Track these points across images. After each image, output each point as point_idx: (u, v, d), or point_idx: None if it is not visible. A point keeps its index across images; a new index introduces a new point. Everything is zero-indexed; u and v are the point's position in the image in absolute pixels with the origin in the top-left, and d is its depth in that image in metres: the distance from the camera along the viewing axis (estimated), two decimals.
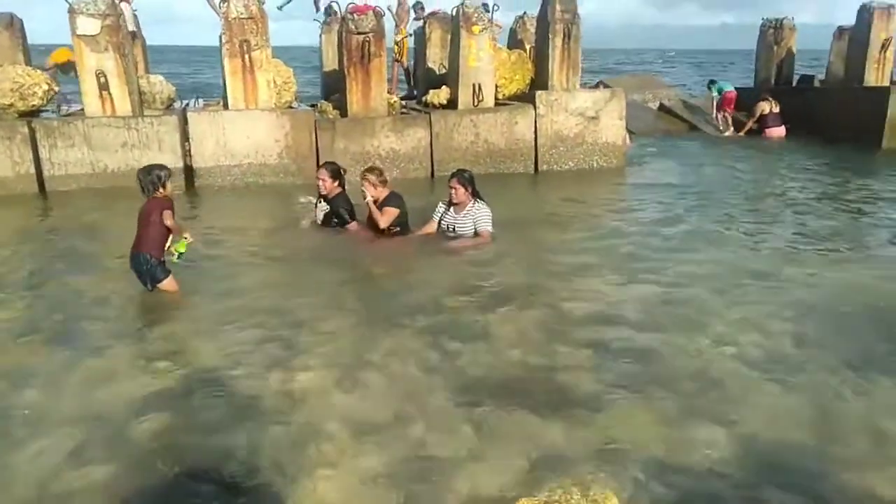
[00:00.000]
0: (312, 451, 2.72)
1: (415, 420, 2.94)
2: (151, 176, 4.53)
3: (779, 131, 12.31)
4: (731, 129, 12.88)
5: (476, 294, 4.54)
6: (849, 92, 11.90)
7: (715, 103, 13.35)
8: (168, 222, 4.38)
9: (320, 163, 8.35)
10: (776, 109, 12.34)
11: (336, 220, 5.90)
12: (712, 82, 13.86)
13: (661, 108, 14.26)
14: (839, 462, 2.67)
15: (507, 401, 3.09)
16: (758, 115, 12.41)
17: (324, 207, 5.96)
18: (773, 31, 13.33)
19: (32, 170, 7.57)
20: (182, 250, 4.44)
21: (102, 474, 2.60)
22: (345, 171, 6.06)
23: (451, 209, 5.68)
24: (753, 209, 7.08)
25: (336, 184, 5.90)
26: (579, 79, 9.92)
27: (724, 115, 13.14)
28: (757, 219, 6.65)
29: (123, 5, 8.91)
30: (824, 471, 2.62)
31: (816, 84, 13.53)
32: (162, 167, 4.68)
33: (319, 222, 6.00)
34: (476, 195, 5.63)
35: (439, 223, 5.75)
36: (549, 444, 2.77)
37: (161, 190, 4.52)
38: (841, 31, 13.07)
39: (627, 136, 10.10)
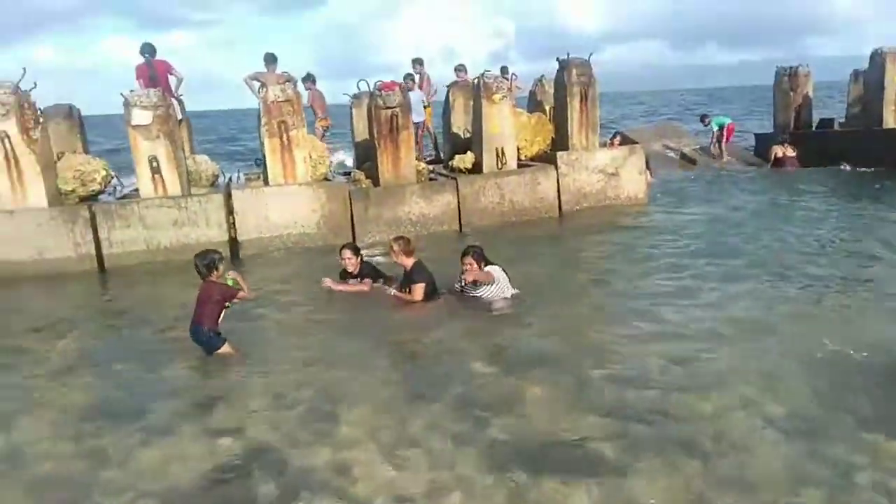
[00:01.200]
0: None
1: (451, 490, 3.25)
2: (206, 260, 5.17)
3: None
4: (726, 155, 13.88)
5: (505, 359, 4.86)
6: (870, 134, 12.11)
7: (715, 136, 14.04)
8: (240, 295, 5.15)
9: (355, 230, 8.95)
10: (791, 153, 12.69)
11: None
12: (705, 116, 14.68)
13: (683, 157, 14.60)
14: None
15: (537, 468, 3.38)
16: (773, 158, 12.80)
17: (354, 283, 6.57)
18: (788, 78, 13.67)
19: (93, 250, 8.21)
20: (230, 283, 5.17)
21: None
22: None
23: (467, 287, 5.98)
24: (772, 257, 7.27)
25: (359, 259, 6.58)
26: (598, 137, 10.38)
27: (721, 146, 14.06)
28: (773, 267, 6.83)
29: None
30: None
31: (836, 127, 13.74)
32: (215, 252, 5.32)
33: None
34: (489, 265, 5.94)
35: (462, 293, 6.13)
36: None
37: (215, 272, 5.14)
38: (856, 74, 13.35)
39: (648, 172, 10.54)
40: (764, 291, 6.11)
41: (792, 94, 13.69)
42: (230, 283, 5.16)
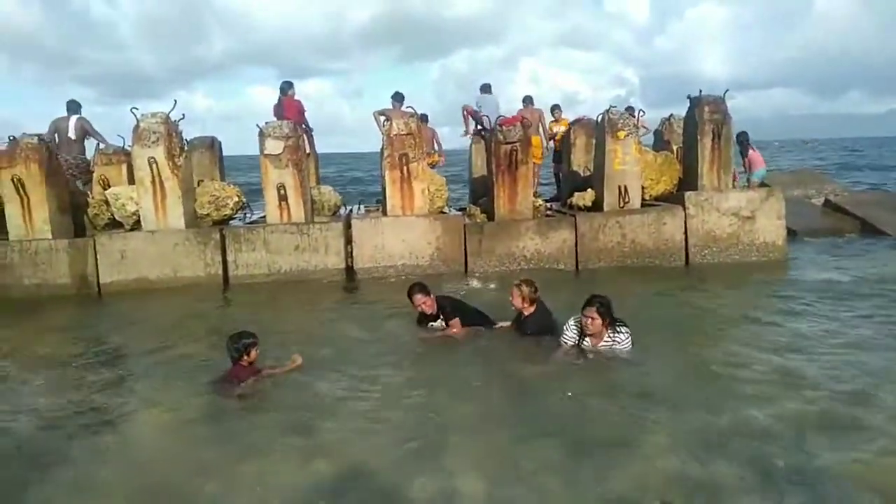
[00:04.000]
0: None
1: None
2: (238, 344, 4.80)
3: None
4: None
5: (620, 400, 4.44)
6: None
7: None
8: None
9: (467, 263, 8.80)
10: None
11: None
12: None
13: (827, 203, 13.31)
14: None
15: None
16: None
17: (439, 326, 6.04)
18: None
19: (220, 271, 8.64)
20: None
21: None
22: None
23: (587, 338, 5.21)
24: None
25: (432, 297, 6.00)
26: (731, 178, 9.68)
27: None
28: None
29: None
30: None
31: None
32: (250, 335, 4.89)
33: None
34: (613, 324, 5.14)
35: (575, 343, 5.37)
36: None
37: (246, 357, 4.80)
38: None
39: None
40: None
41: None
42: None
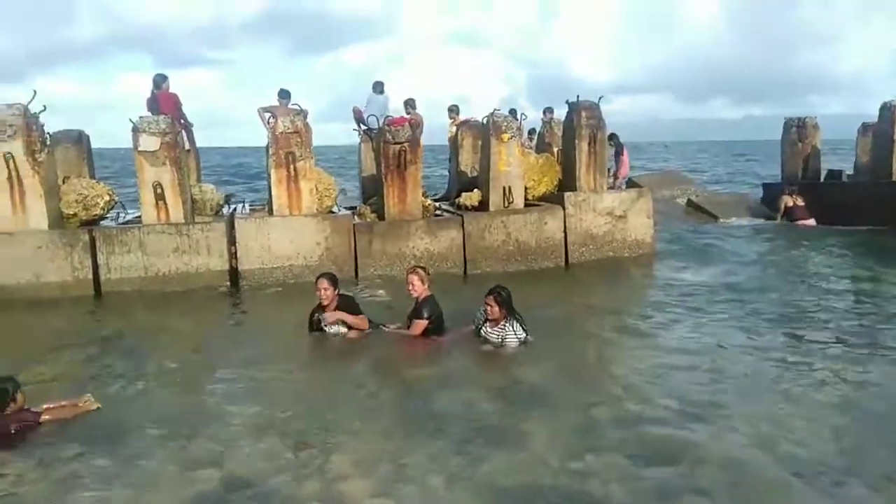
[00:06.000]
0: None
1: None
2: None
3: (808, 222, 12.50)
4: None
5: (508, 397, 4.66)
6: (878, 186, 12.02)
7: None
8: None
9: (358, 263, 8.79)
10: (800, 202, 12.62)
11: (344, 326, 5.97)
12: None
13: (690, 203, 14.53)
14: None
15: None
16: (783, 208, 12.68)
17: (330, 320, 5.96)
18: (797, 129, 13.70)
19: (91, 275, 8.06)
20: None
21: None
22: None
23: (487, 322, 5.80)
24: (783, 304, 7.10)
25: (336, 291, 6.01)
26: (606, 180, 10.32)
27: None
28: (787, 316, 6.65)
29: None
30: None
31: (845, 179, 13.69)
32: (8, 380, 4.30)
33: (329, 330, 6.00)
34: (511, 313, 5.68)
35: (477, 328, 5.90)
36: None
37: (12, 404, 4.21)
38: (865, 127, 13.36)
39: None
40: (778, 336, 5.92)
41: (800, 144, 13.69)
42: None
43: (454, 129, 12.33)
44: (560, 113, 11.72)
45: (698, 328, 6.25)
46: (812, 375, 4.93)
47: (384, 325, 6.20)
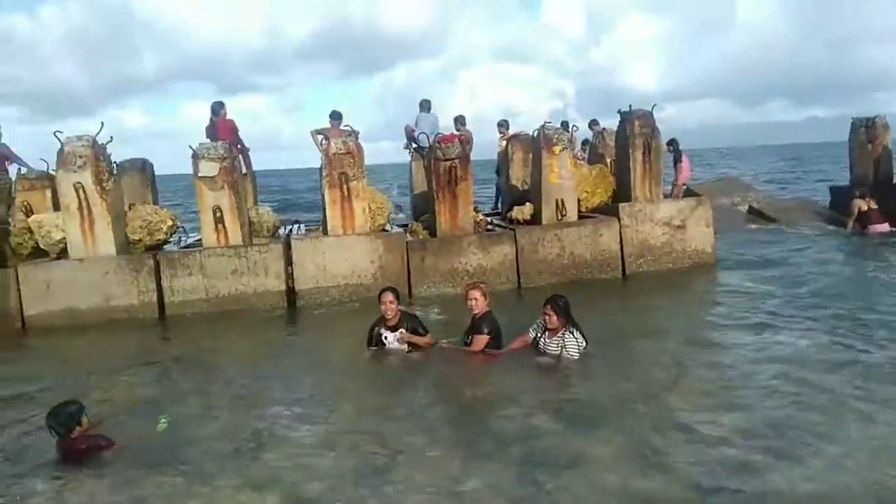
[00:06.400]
0: None
1: None
2: (61, 418, 4.20)
3: (881, 227, 11.79)
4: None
5: (568, 415, 4.52)
6: None
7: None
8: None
9: (411, 280, 8.81)
10: (874, 206, 11.92)
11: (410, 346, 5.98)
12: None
13: (751, 210, 14.00)
14: None
15: None
16: (856, 212, 12.00)
17: (393, 339, 5.97)
18: (866, 129, 13.03)
19: (155, 298, 8.35)
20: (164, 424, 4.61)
21: None
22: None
23: (546, 332, 5.73)
24: (867, 314, 6.66)
25: (398, 305, 6.02)
26: (661, 189, 10.06)
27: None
28: (862, 327, 6.24)
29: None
30: None
31: None
32: (74, 403, 4.35)
33: (389, 346, 5.99)
34: (569, 323, 5.61)
35: (534, 340, 5.82)
36: None
37: (78, 427, 4.25)
38: None
39: None
40: (852, 351, 5.57)
41: (870, 145, 13.01)
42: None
43: (504, 143, 12.28)
44: (608, 124, 11.57)
45: (770, 341, 5.93)
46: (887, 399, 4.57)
47: (443, 342, 6.17)
